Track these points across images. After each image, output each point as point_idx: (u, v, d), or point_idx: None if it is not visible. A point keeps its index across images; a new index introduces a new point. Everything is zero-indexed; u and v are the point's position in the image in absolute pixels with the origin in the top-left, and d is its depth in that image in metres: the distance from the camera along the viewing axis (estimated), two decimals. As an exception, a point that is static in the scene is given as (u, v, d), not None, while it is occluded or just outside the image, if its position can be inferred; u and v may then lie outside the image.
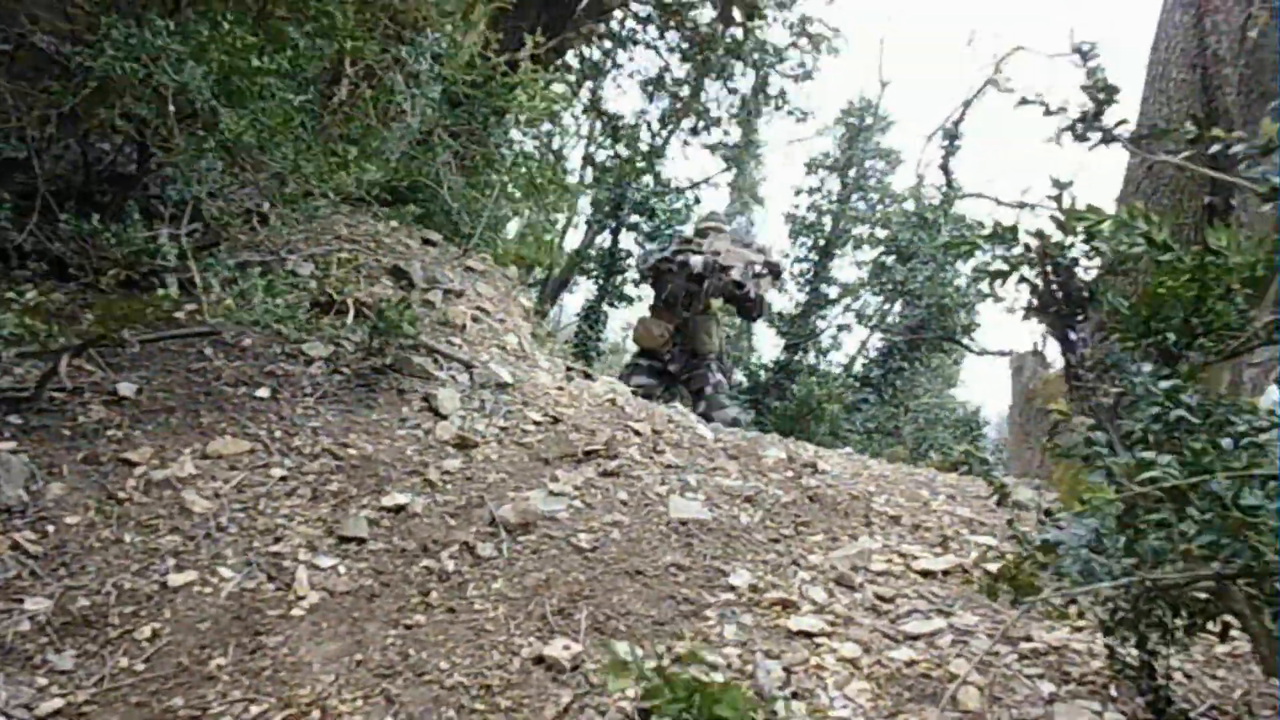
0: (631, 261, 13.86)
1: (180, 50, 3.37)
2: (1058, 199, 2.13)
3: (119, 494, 2.85)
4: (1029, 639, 2.63)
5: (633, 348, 7.69)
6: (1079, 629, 2.74)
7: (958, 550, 3.38)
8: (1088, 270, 2.18)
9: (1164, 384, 1.87)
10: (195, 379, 3.56)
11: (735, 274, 6.88)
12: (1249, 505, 1.70)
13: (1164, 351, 2.06)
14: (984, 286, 2.23)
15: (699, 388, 7.05)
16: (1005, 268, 2.14)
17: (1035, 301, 2.23)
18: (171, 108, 3.56)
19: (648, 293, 7.98)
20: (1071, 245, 2.18)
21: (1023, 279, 2.20)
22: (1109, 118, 2.17)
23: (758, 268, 7.05)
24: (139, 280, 4.18)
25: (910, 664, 2.49)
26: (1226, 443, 1.76)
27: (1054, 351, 5.08)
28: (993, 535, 3.59)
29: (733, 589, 2.81)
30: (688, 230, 8.32)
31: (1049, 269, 2.16)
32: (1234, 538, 1.61)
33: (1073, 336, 2.30)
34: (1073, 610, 2.62)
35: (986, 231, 2.11)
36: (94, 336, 3.17)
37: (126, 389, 3.33)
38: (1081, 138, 2.19)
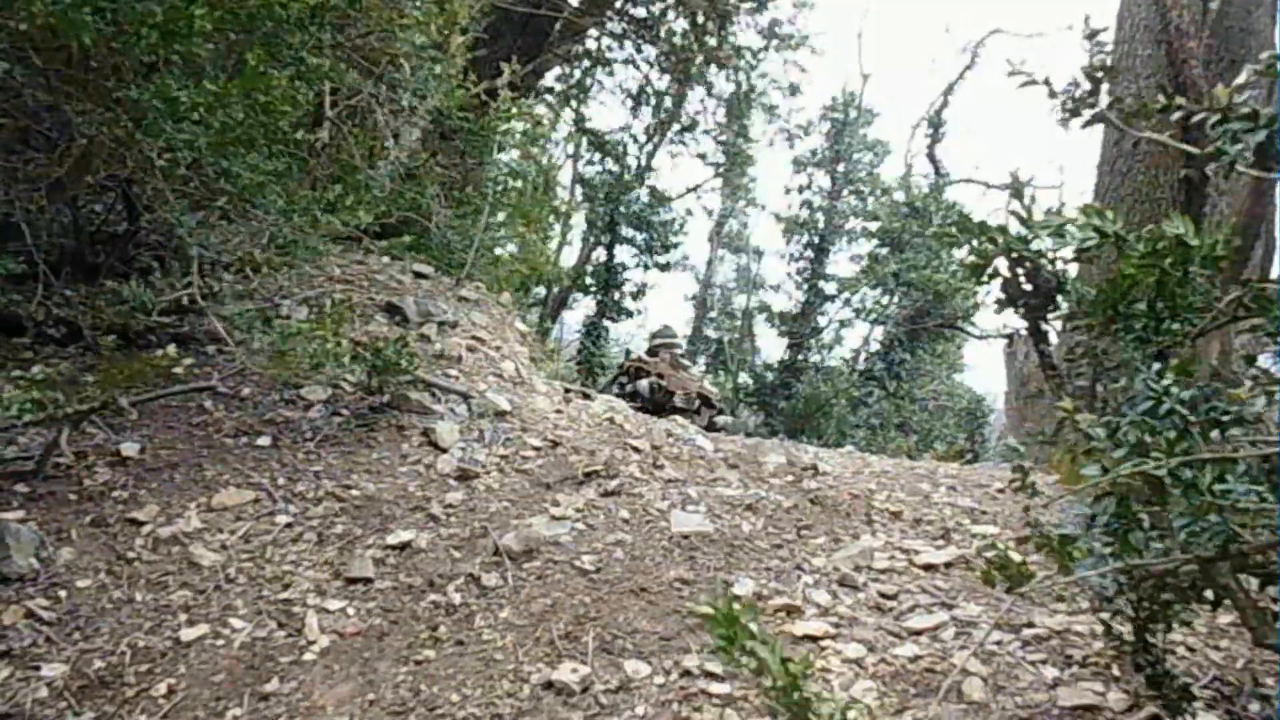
0: (629, 275, 13.94)
1: (161, 109, 3.42)
2: (1017, 193, 2.17)
3: (128, 554, 2.90)
4: (1031, 625, 2.66)
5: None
6: (1081, 611, 2.76)
7: (959, 541, 3.40)
8: (1055, 261, 2.21)
9: (1164, 381, 1.91)
10: (196, 433, 3.62)
11: (678, 401, 8.04)
12: (1222, 489, 1.74)
13: (1133, 335, 2.09)
14: (962, 278, 2.28)
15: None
16: (979, 261, 2.16)
17: (1005, 294, 2.26)
18: (161, 163, 3.62)
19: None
20: (1035, 238, 2.21)
21: (994, 273, 2.23)
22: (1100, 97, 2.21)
23: (692, 398, 8.19)
24: (136, 339, 4.25)
25: (914, 660, 2.52)
26: (1214, 434, 1.79)
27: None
28: (994, 524, 3.62)
29: (737, 599, 2.84)
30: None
31: (1016, 262, 2.19)
32: (1206, 520, 1.65)
33: (1044, 327, 2.32)
34: (1072, 594, 2.65)
35: (957, 226, 2.15)
36: (93, 406, 3.23)
37: (130, 449, 3.38)
38: (1075, 114, 2.23)
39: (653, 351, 8.54)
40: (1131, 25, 4.45)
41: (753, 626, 1.39)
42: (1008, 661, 2.48)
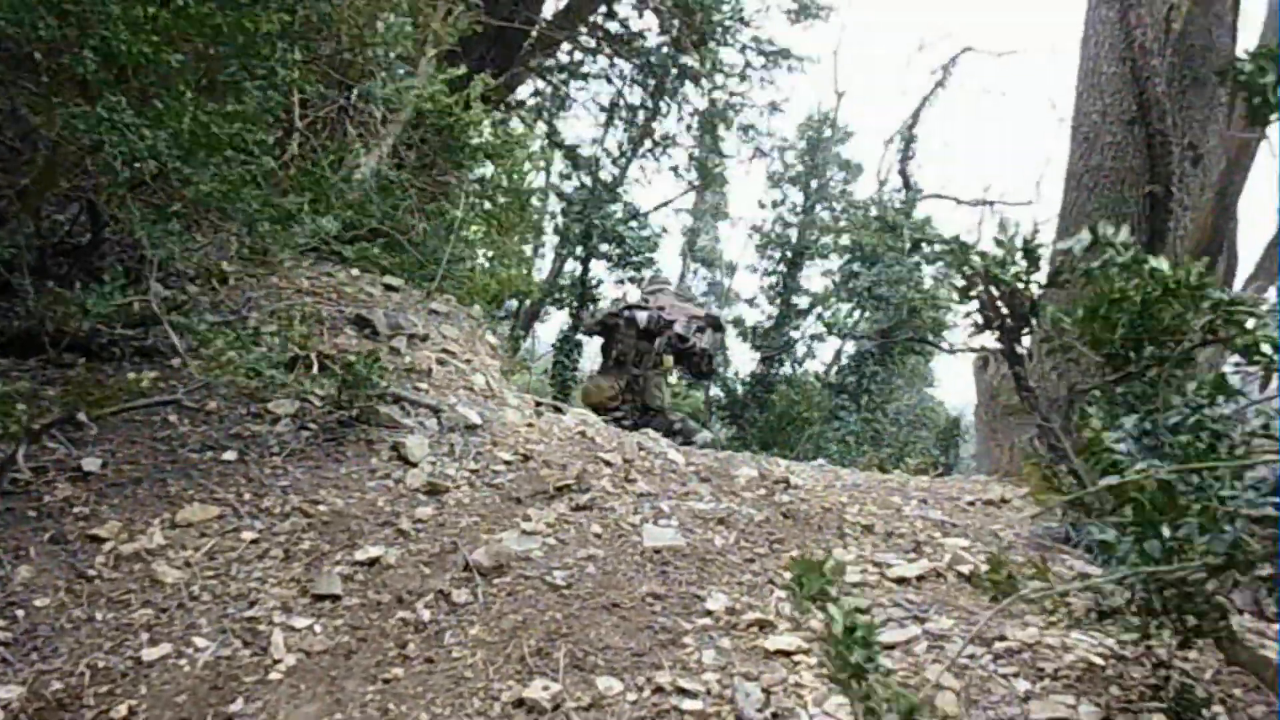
0: (602, 290, 13.92)
1: (134, 122, 3.38)
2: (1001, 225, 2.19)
3: (88, 572, 2.84)
4: (1003, 638, 2.66)
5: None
6: (1052, 624, 2.77)
7: (931, 554, 3.41)
8: (1030, 285, 2.23)
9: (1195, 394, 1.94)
10: (160, 447, 3.55)
11: (679, 328, 7.24)
12: (1228, 496, 1.76)
13: (1110, 356, 2.11)
14: (947, 293, 2.30)
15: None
16: (963, 284, 2.19)
17: (982, 319, 2.28)
18: (123, 176, 3.56)
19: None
20: (1012, 264, 2.24)
21: (974, 296, 2.26)
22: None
23: (699, 322, 7.39)
24: (99, 352, 4.18)
25: (887, 675, 2.51)
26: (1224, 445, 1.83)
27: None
28: (965, 537, 3.63)
29: (710, 614, 2.82)
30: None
31: (993, 287, 2.21)
32: (1215, 529, 1.67)
33: (1019, 350, 2.35)
34: (1050, 606, 2.65)
35: (945, 249, 2.17)
36: (52, 420, 3.16)
37: (91, 464, 3.32)
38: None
39: (647, 294, 7.78)
40: (1096, 43, 4.52)
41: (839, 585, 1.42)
42: (980, 675, 2.48)
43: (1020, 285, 2.20)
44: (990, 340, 2.34)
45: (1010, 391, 4.62)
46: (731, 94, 10.74)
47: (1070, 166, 4.61)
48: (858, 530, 3.61)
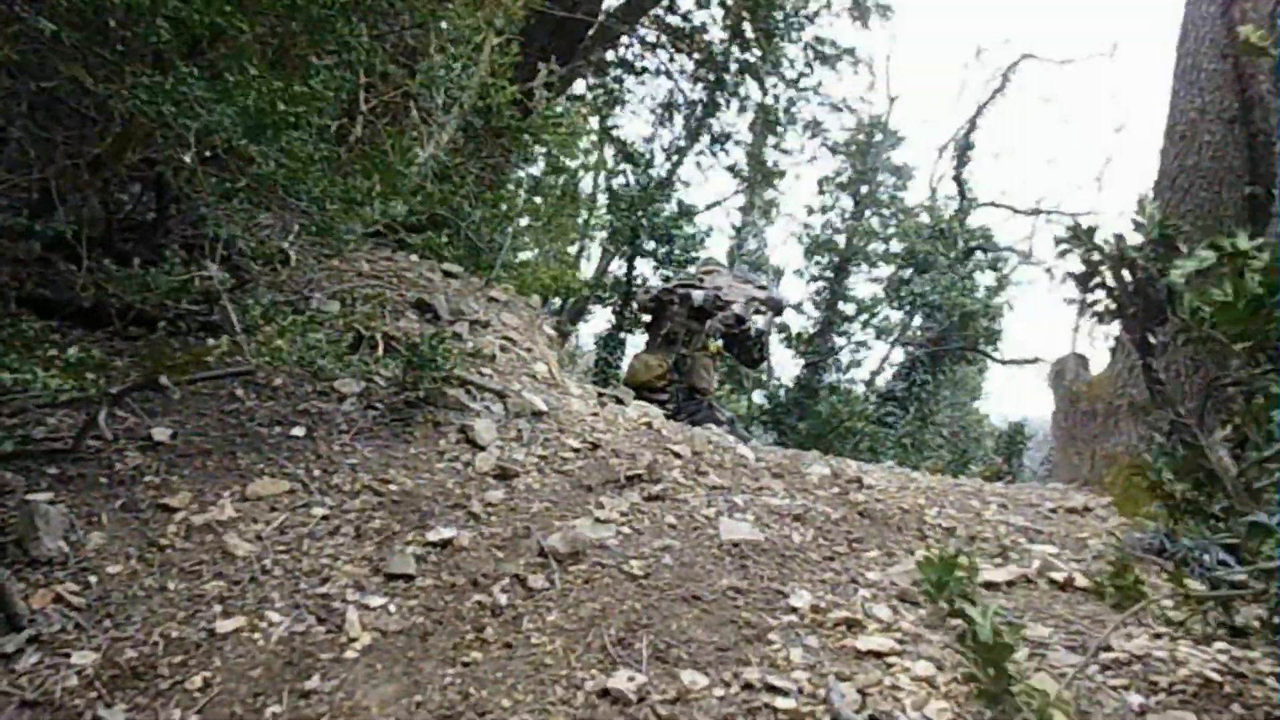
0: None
1: (205, 95, 3.34)
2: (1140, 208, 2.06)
3: (160, 541, 2.79)
4: (1109, 649, 2.53)
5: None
6: (1158, 636, 2.63)
7: (1019, 560, 3.27)
8: (1166, 272, 2.09)
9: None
10: (229, 421, 3.51)
11: (736, 309, 6.90)
12: None
13: (1257, 348, 1.97)
14: (1068, 290, 2.16)
15: (702, 422, 6.93)
16: (1084, 271, 2.06)
17: (1114, 305, 2.14)
18: (192, 151, 3.53)
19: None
20: (1147, 248, 2.10)
21: (1100, 284, 2.12)
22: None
23: (758, 305, 7.06)
24: (165, 324, 4.15)
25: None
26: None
27: (1096, 355, 4.98)
28: (1052, 543, 3.49)
29: (794, 610, 2.71)
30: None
31: (1126, 272, 2.07)
32: None
33: (1152, 340, 2.21)
34: (1176, 618, 2.51)
35: (1069, 235, 2.04)
36: (134, 384, 3.11)
37: (161, 434, 3.27)
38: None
39: (703, 275, 7.46)
40: (1196, 39, 4.34)
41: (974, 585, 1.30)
42: (1088, 686, 2.35)
43: (1157, 271, 2.06)
44: (1116, 330, 2.20)
45: (1092, 397, 4.46)
46: (797, 88, 10.57)
47: (1163, 167, 4.43)
48: (939, 533, 3.48)
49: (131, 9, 3.40)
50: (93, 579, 2.59)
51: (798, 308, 16.12)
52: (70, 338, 3.87)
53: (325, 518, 3.05)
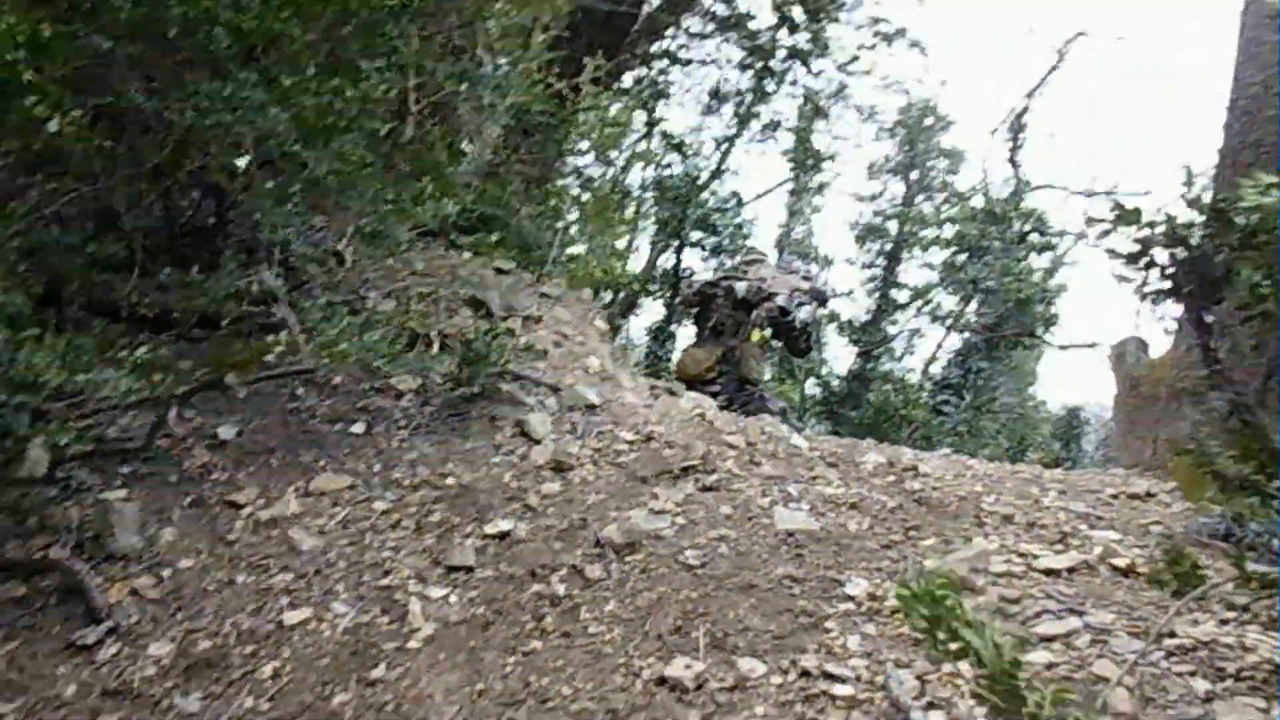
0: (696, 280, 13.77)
1: (263, 99, 3.42)
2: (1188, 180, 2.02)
3: (228, 536, 2.88)
4: (1173, 634, 2.48)
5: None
6: (1224, 622, 2.58)
7: (1079, 546, 3.22)
8: (1223, 248, 2.04)
9: None
10: (291, 419, 3.60)
11: (780, 300, 6.83)
12: None
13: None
14: (1120, 270, 2.11)
15: (755, 413, 6.88)
16: (1137, 248, 2.02)
17: (1169, 284, 2.10)
18: (249, 157, 3.62)
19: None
20: (1198, 226, 2.05)
21: (1152, 262, 2.08)
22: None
23: (801, 295, 6.98)
24: (227, 326, 4.26)
25: (1050, 667, 2.36)
26: None
27: (1157, 337, 4.87)
28: (1113, 530, 3.43)
29: (851, 598, 2.71)
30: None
31: (1180, 250, 2.03)
32: None
33: (1208, 319, 2.16)
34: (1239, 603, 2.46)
35: (1116, 214, 2.00)
36: (201, 384, 3.22)
37: (227, 433, 3.37)
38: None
39: (746, 264, 7.40)
40: (1258, 10, 4.22)
41: (964, 606, 1.26)
42: (1153, 673, 2.31)
43: (1211, 248, 2.01)
44: (1176, 309, 2.16)
45: (1154, 380, 4.36)
46: (847, 70, 10.43)
47: (1225, 143, 4.31)
48: (997, 520, 3.44)
49: (189, 19, 3.49)
50: (166, 573, 2.69)
51: (849, 295, 16.00)
52: (137, 341, 3.99)
53: (386, 512, 3.12)
